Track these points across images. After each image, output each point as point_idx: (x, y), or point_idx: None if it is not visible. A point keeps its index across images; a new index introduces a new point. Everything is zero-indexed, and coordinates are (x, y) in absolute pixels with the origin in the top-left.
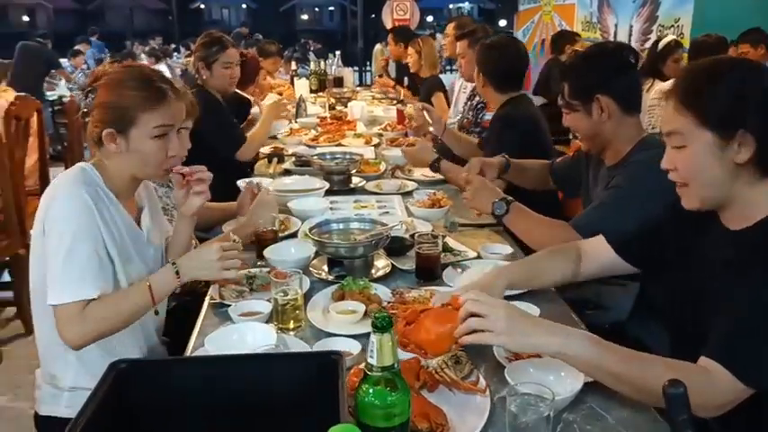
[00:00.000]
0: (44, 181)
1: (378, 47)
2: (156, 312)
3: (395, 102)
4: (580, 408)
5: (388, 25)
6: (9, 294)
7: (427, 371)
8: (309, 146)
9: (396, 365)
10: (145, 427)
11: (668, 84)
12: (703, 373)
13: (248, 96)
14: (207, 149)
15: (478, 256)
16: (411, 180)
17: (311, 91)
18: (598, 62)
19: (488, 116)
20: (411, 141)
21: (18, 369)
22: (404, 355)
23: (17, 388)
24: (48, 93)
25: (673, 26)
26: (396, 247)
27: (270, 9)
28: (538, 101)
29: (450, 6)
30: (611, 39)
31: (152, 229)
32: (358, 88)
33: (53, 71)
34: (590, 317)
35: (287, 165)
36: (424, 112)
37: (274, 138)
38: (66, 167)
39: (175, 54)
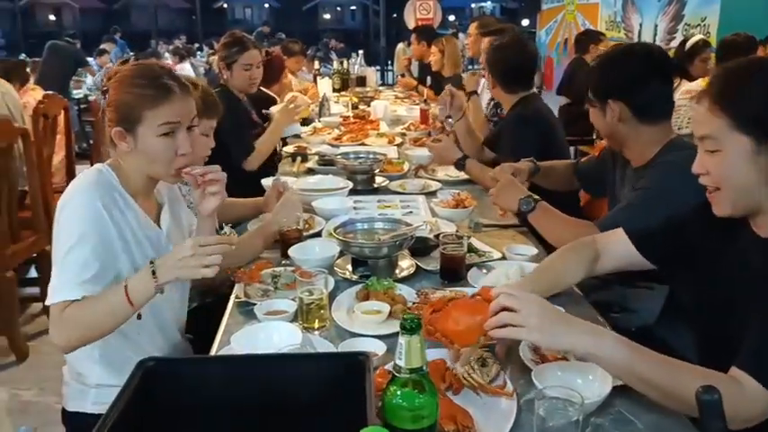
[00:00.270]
0: (70, 178)
1: (400, 46)
2: (139, 317)
3: (417, 102)
4: (608, 412)
5: (411, 25)
6: (36, 290)
7: (453, 374)
8: (332, 145)
9: (424, 368)
10: (172, 425)
11: (695, 84)
12: (734, 383)
13: (273, 95)
14: (224, 148)
15: (503, 257)
16: (435, 180)
17: (334, 90)
18: (616, 68)
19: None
20: (438, 138)
21: (44, 364)
22: (429, 352)
23: (44, 382)
24: (74, 91)
25: (699, 25)
26: (420, 247)
27: (292, 8)
28: (561, 101)
29: (473, 6)
30: (636, 39)
31: (172, 226)
32: (380, 87)
33: (80, 69)
34: (616, 320)
35: (310, 164)
36: (448, 98)
37: (298, 137)
38: (92, 165)
39: (199, 53)
